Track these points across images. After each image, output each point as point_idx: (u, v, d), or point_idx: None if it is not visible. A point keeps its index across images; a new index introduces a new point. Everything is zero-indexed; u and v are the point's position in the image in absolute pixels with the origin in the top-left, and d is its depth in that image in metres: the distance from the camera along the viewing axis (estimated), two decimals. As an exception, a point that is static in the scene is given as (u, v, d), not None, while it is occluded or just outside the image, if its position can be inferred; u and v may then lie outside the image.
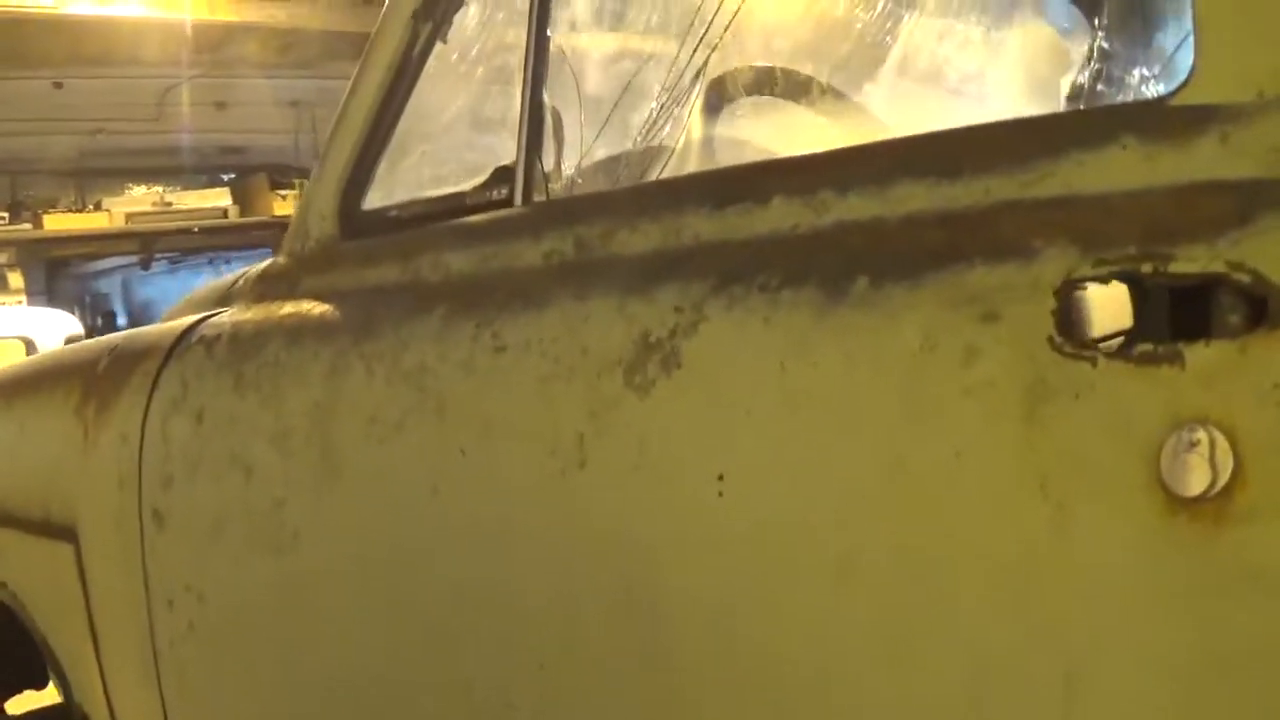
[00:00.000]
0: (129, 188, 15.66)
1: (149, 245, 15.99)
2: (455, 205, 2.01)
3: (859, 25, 2.47)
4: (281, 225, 13.45)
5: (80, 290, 18.18)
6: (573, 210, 1.77)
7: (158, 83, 15.11)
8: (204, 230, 15.69)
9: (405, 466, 1.77)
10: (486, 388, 1.65)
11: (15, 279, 14.83)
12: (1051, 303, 1.17)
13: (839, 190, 1.40)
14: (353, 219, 2.20)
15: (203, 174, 16.03)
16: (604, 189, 1.87)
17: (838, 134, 2.25)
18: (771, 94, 2.40)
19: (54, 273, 15.94)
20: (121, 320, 19.92)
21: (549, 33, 1.92)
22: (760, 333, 1.36)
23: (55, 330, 10.15)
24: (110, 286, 19.92)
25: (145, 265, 17.09)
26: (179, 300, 3.06)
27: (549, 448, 1.55)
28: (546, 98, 1.92)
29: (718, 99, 2.21)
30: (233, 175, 16.25)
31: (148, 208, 15.35)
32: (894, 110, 2.44)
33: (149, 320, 18.64)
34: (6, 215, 14.67)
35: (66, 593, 2.58)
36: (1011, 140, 1.33)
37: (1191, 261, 1.10)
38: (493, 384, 1.64)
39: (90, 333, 11.97)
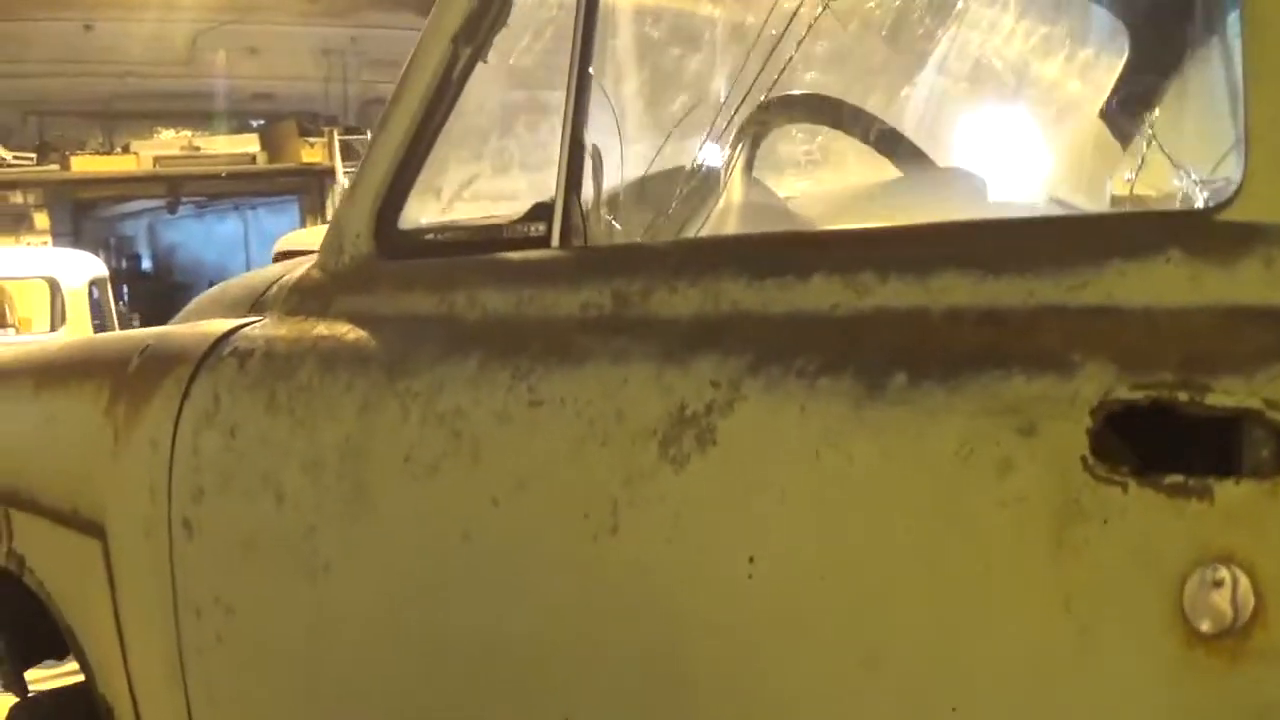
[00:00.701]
0: (157, 131, 15.72)
1: (176, 189, 16.09)
2: (492, 237, 2.02)
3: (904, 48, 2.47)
4: (309, 172, 13.48)
5: (106, 232, 18.28)
6: (611, 261, 1.78)
7: (189, 27, 15.16)
8: (231, 175, 15.79)
9: (438, 509, 1.78)
10: (521, 441, 1.66)
11: (41, 219, 14.93)
12: (1088, 422, 1.17)
13: (880, 273, 1.41)
14: (388, 238, 2.20)
15: (232, 119, 16.06)
16: (643, 238, 1.86)
17: (877, 173, 2.25)
18: (817, 122, 2.41)
19: (80, 214, 16.03)
20: (146, 264, 20.04)
21: (591, 71, 1.92)
22: (796, 419, 1.37)
23: (80, 271, 10.19)
24: (136, 229, 20.00)
25: (172, 209, 17.18)
26: (210, 292, 3.08)
27: (582, 510, 1.56)
28: (587, 136, 1.92)
29: (762, 126, 2.20)
30: (262, 121, 16.28)
31: (176, 151, 15.43)
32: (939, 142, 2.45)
33: (174, 263, 18.83)
34: (34, 156, 14.75)
35: (93, 588, 2.61)
36: (1056, 240, 1.33)
37: (1228, 395, 1.11)
38: (527, 438, 1.65)
39: (114, 275, 12.03)
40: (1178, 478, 1.12)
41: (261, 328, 2.32)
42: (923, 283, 1.37)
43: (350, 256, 2.24)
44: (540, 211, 1.93)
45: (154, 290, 18.58)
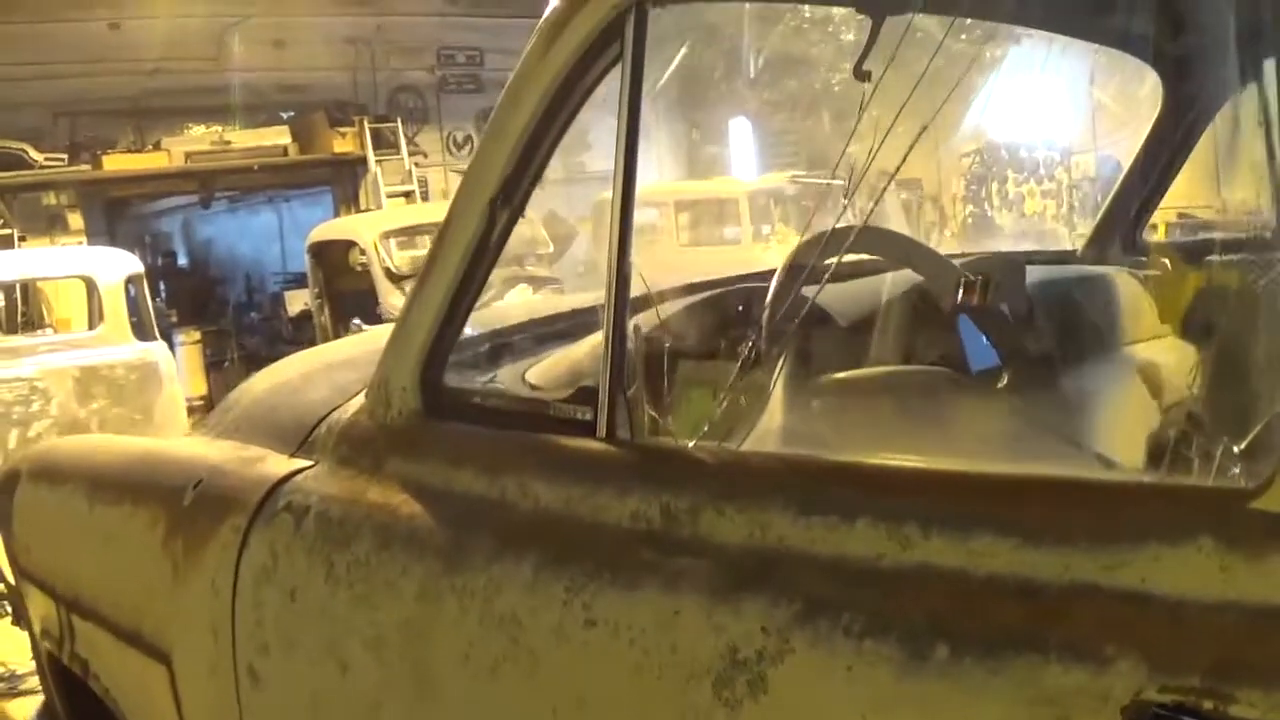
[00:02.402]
0: (188, 127, 15.76)
1: (208, 184, 16.12)
2: (538, 412, 2.07)
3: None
4: (341, 162, 13.51)
5: (140, 230, 18.39)
6: (658, 468, 1.82)
7: (215, 22, 15.20)
8: (263, 168, 15.80)
9: (500, 709, 1.85)
10: (578, 660, 1.72)
11: (75, 220, 14.99)
12: None
13: (923, 527, 1.46)
14: (435, 394, 2.27)
15: (261, 112, 16.09)
16: (690, 444, 1.89)
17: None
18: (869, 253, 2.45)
19: (114, 213, 16.09)
20: (182, 260, 20.16)
21: (631, 258, 1.95)
22: (843, 680, 1.43)
23: (116, 269, 10.24)
24: (170, 226, 20.15)
25: (205, 204, 17.25)
26: (256, 394, 3.13)
27: None
28: (631, 326, 1.96)
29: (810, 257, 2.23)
30: (291, 113, 16.31)
31: (207, 147, 15.46)
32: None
33: (209, 258, 18.85)
34: (65, 157, 14.80)
35: (161, 709, 2.70)
36: (1095, 511, 1.37)
37: (1251, 707, 1.16)
38: (584, 658, 1.72)
39: (150, 272, 12.11)
40: None
41: (314, 479, 2.38)
42: (964, 543, 1.42)
43: (399, 411, 2.30)
44: (585, 395, 1.98)
45: (191, 286, 18.75)
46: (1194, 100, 3.57)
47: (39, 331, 11.97)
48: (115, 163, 15.07)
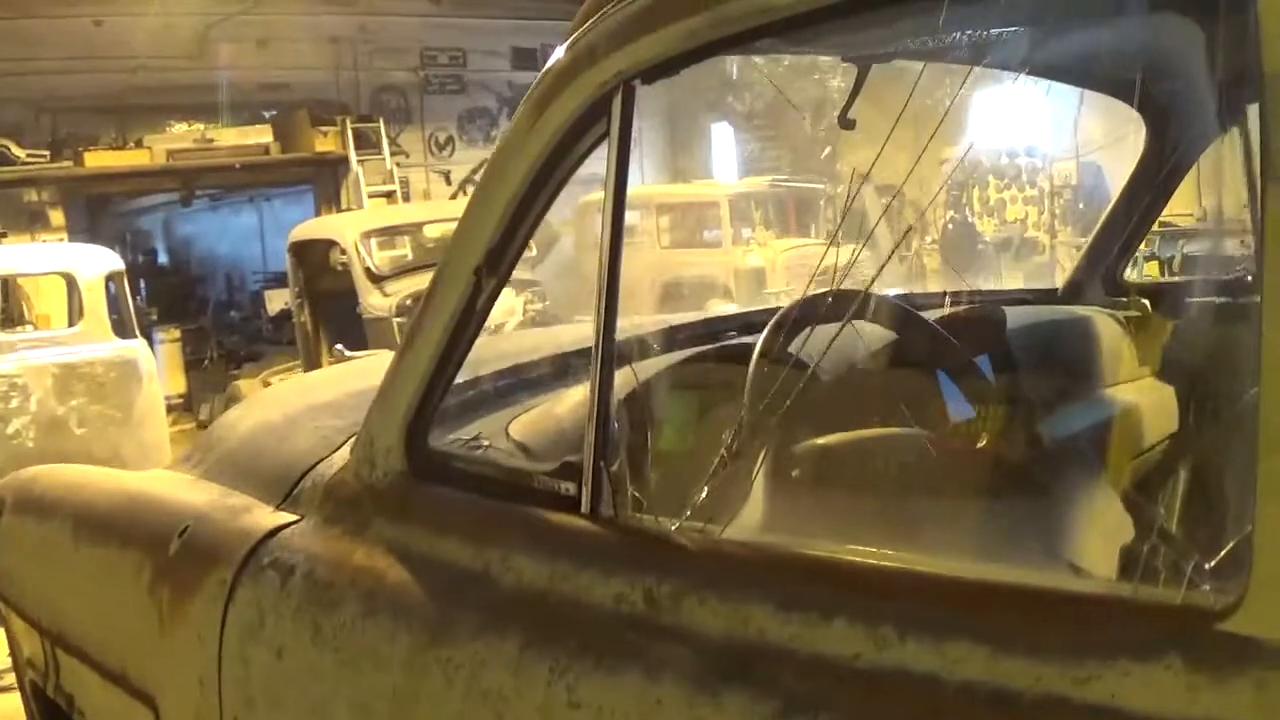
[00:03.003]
0: (170, 125, 15.75)
1: (190, 182, 16.13)
2: (522, 484, 2.10)
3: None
4: (323, 162, 13.45)
5: (122, 227, 18.38)
6: (641, 551, 1.85)
7: (198, 20, 15.19)
8: (245, 167, 15.79)
9: None
10: None
11: (56, 216, 14.98)
12: None
13: (900, 630, 1.49)
14: (419, 455, 2.29)
15: (243, 111, 16.09)
16: (673, 526, 1.90)
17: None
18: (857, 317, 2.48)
19: (95, 210, 16.10)
20: (163, 258, 20.16)
21: (615, 334, 1.98)
22: None
23: (96, 266, 10.21)
24: (152, 224, 20.13)
25: (186, 202, 17.23)
26: (243, 430, 3.15)
27: None
28: (614, 402, 1.99)
29: (799, 325, 2.25)
30: (273, 112, 16.31)
31: (189, 145, 15.45)
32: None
33: (190, 256, 18.81)
34: (47, 153, 14.80)
35: (147, 753, 2.73)
36: (1066, 623, 1.41)
37: None
38: None
39: (131, 270, 12.09)
40: None
41: (300, 536, 2.41)
42: (939, 649, 1.45)
43: (384, 472, 2.33)
44: (569, 470, 2.00)
45: (171, 284, 18.76)
46: (1176, 145, 3.61)
47: (19, 328, 11.93)
48: (97, 160, 15.07)
